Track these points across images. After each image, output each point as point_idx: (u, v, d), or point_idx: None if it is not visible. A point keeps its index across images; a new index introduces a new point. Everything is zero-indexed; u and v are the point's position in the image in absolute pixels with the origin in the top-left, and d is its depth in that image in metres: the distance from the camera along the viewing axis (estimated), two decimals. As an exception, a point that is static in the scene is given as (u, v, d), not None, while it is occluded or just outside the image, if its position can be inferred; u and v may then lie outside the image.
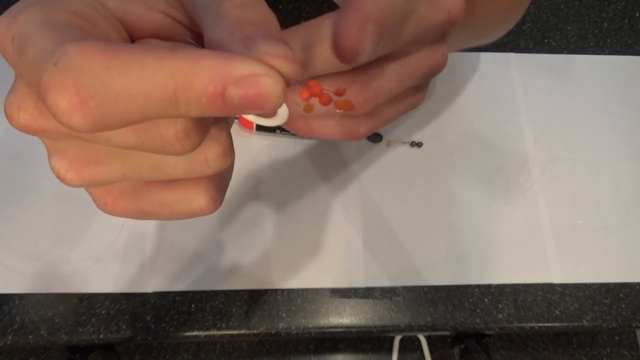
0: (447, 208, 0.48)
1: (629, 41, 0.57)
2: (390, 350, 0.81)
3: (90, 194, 0.17)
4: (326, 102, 0.16)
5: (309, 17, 0.55)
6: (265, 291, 0.44)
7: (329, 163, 0.49)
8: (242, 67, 0.12)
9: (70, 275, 0.43)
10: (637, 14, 0.59)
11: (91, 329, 0.42)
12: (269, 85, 0.12)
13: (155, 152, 0.14)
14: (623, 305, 0.46)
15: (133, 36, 0.16)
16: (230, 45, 0.13)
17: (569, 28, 0.58)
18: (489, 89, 0.53)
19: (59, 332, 0.42)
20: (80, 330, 0.42)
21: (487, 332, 0.54)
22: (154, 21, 0.16)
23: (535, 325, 0.45)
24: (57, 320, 0.42)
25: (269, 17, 0.15)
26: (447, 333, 0.58)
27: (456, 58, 0.54)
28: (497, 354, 0.84)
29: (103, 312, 0.43)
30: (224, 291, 0.44)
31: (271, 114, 0.13)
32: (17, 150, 0.47)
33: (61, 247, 0.44)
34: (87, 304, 0.43)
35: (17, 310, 0.42)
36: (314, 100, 0.16)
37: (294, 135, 0.49)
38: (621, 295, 0.47)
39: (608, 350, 0.85)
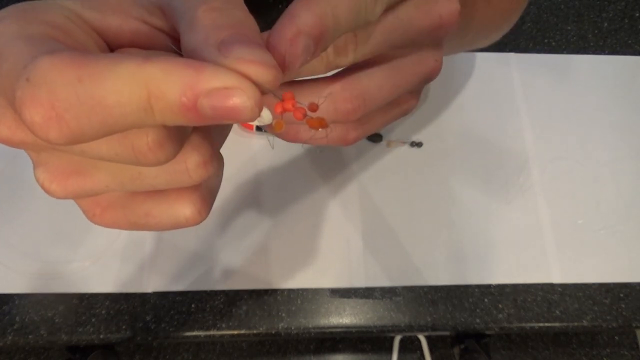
0: (447, 208, 0.48)
1: (629, 41, 0.57)
2: (390, 350, 0.81)
3: (79, 206, 0.17)
4: (300, 117, 0.15)
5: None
6: (265, 291, 0.44)
7: (328, 163, 0.49)
8: (213, 79, 0.12)
9: (70, 275, 0.43)
10: (637, 14, 0.59)
11: (91, 329, 0.42)
12: (240, 97, 0.12)
13: (130, 163, 0.14)
14: (623, 305, 0.46)
15: (112, 45, 0.16)
16: (204, 51, 0.13)
17: (569, 28, 0.58)
18: (489, 89, 0.53)
19: (59, 332, 0.42)
20: (80, 330, 0.42)
21: (487, 332, 0.54)
22: (133, 30, 0.16)
23: (535, 325, 0.45)
24: (57, 320, 0.42)
25: (247, 21, 0.14)
26: (447, 333, 0.58)
27: (456, 58, 0.54)
28: (497, 354, 0.84)
29: (103, 312, 0.43)
30: (224, 291, 0.44)
31: (246, 122, 0.13)
32: (17, 150, 0.47)
33: (61, 247, 0.44)
34: (87, 304, 0.43)
35: (17, 310, 0.42)
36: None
37: (294, 135, 0.49)
38: (621, 295, 0.47)
39: (608, 350, 0.85)
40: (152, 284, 0.43)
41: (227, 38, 0.13)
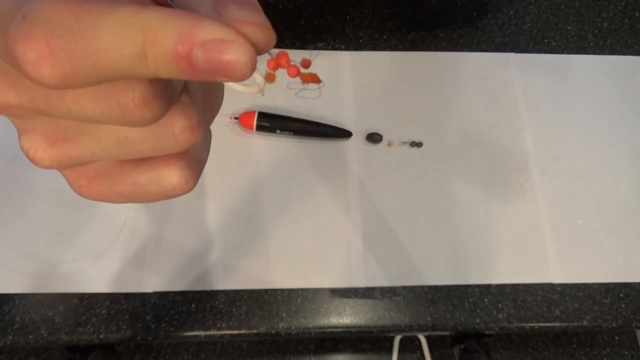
0: (447, 208, 0.48)
1: (629, 41, 0.57)
2: (390, 350, 0.81)
3: (65, 177, 0.17)
4: (294, 74, 0.15)
5: (308, 17, 0.55)
6: (265, 291, 0.44)
7: (329, 163, 0.49)
8: (210, 31, 0.12)
9: (70, 275, 0.43)
10: (637, 14, 0.59)
11: (91, 329, 0.42)
12: (236, 52, 0.12)
13: (116, 122, 0.14)
14: (623, 305, 0.46)
15: None
16: (200, 8, 0.13)
17: (569, 28, 0.58)
18: (489, 89, 0.53)
19: (59, 332, 0.42)
20: (80, 330, 0.42)
21: (487, 332, 0.54)
22: None
23: (535, 325, 0.45)
24: (57, 320, 0.42)
25: None
26: (447, 333, 0.58)
27: (456, 58, 0.54)
28: (497, 354, 0.84)
29: (103, 312, 0.43)
30: (224, 291, 0.44)
31: (240, 80, 0.13)
32: (16, 150, 0.47)
33: (61, 247, 0.44)
34: (87, 304, 0.43)
35: (17, 310, 0.42)
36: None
37: (294, 135, 0.49)
38: (621, 295, 0.47)
39: (608, 350, 0.85)
40: (152, 284, 0.43)
41: None
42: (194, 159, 0.17)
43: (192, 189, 0.17)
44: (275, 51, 0.13)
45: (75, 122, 0.14)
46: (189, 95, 0.15)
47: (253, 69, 0.13)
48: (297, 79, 0.14)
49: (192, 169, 0.17)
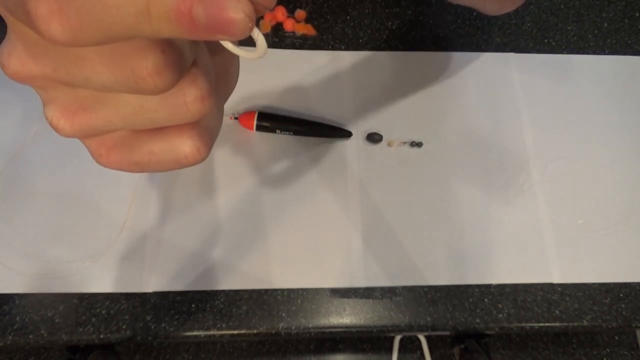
0: (447, 208, 0.48)
1: (629, 41, 0.57)
2: (390, 350, 0.81)
3: (87, 147, 0.18)
4: (290, 28, 0.15)
5: (308, 17, 0.55)
6: (265, 291, 0.44)
7: (329, 163, 0.49)
8: None
9: (70, 275, 0.43)
10: (637, 14, 0.59)
11: (91, 329, 0.42)
12: (235, 8, 0.12)
13: (130, 91, 0.14)
14: (623, 305, 0.46)
15: None
16: None
17: (569, 28, 0.58)
18: (489, 89, 0.53)
19: (59, 332, 0.42)
20: (80, 330, 0.42)
21: (487, 332, 0.54)
22: None
23: (535, 325, 0.45)
24: (57, 320, 0.42)
25: None
26: (447, 333, 0.58)
27: (456, 58, 0.54)
28: (497, 354, 0.84)
29: (103, 312, 0.43)
30: (224, 291, 0.44)
31: (239, 37, 0.14)
32: (17, 150, 0.47)
33: (61, 247, 0.44)
34: (87, 304, 0.43)
35: (17, 310, 0.42)
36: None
37: (294, 134, 0.49)
38: (621, 295, 0.47)
39: (608, 350, 0.85)
40: (152, 284, 0.43)
41: None
42: (206, 129, 0.18)
43: (204, 158, 0.18)
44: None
45: (94, 92, 0.15)
46: (200, 67, 0.16)
47: (253, 25, 0.13)
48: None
49: (204, 138, 0.17)
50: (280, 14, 0.14)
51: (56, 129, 0.16)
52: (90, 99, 0.16)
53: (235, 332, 0.43)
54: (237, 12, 0.13)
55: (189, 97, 0.15)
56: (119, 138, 0.17)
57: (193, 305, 0.43)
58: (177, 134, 0.17)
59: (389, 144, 0.50)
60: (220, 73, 0.19)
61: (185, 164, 0.18)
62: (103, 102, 0.16)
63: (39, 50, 0.14)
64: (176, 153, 0.17)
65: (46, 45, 0.14)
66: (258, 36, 0.15)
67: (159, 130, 0.17)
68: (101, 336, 0.42)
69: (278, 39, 0.53)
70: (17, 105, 0.48)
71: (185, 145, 0.17)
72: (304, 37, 0.53)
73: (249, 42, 0.15)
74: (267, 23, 0.14)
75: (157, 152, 0.17)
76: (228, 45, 0.15)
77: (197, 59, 0.16)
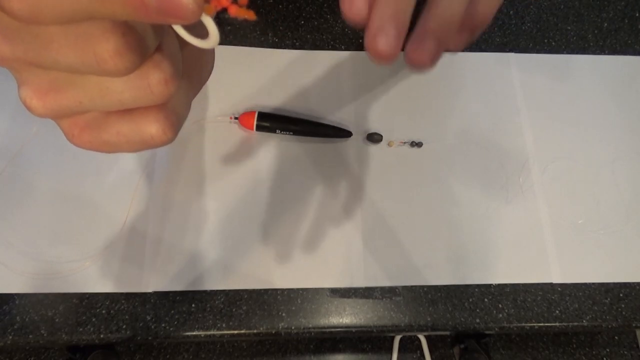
0: (447, 208, 0.48)
1: (629, 41, 0.57)
2: (390, 350, 0.81)
3: (60, 127, 0.19)
4: (234, 13, 0.17)
5: (308, 17, 0.55)
6: (265, 291, 0.44)
7: (329, 163, 0.49)
8: None
9: (70, 275, 0.43)
10: (637, 14, 0.59)
11: (91, 329, 0.42)
12: None
13: (95, 72, 0.15)
14: (623, 305, 0.46)
15: None
16: None
17: (569, 28, 0.58)
18: (489, 89, 0.53)
19: (59, 332, 0.42)
20: (80, 330, 0.42)
21: (487, 332, 0.54)
22: None
23: (535, 325, 0.45)
24: (57, 320, 0.42)
25: None
26: (447, 333, 0.58)
27: (456, 58, 0.54)
28: (497, 354, 0.84)
29: (103, 312, 0.43)
30: (224, 291, 0.44)
31: (188, 21, 0.15)
32: (17, 150, 0.47)
33: (61, 247, 0.44)
34: (87, 304, 0.43)
35: (17, 310, 0.42)
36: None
37: (294, 134, 0.49)
38: (621, 295, 0.47)
39: (608, 350, 0.85)
40: (152, 284, 0.44)
41: None
42: (172, 112, 0.19)
43: (170, 140, 0.19)
44: None
45: (63, 74, 0.16)
46: (164, 51, 0.17)
47: (201, 8, 0.14)
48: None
49: (170, 121, 0.18)
50: (227, 1, 0.16)
51: (29, 109, 0.17)
52: (60, 80, 0.17)
53: (235, 332, 0.43)
54: None
55: (153, 80, 0.16)
56: (90, 119, 0.18)
57: (193, 305, 0.43)
58: (144, 116, 0.18)
59: (389, 144, 0.50)
60: (193, 61, 0.20)
61: (152, 145, 0.19)
62: (72, 84, 0.17)
63: (11, 32, 0.15)
64: (143, 134, 0.18)
65: (18, 27, 0.15)
66: (208, 23, 0.16)
67: (127, 112, 0.18)
68: (101, 336, 0.42)
69: (278, 38, 0.53)
70: (17, 105, 0.48)
71: (151, 126, 0.18)
72: (302, 39, 0.53)
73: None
74: (212, 8, 0.16)
75: (125, 132, 0.18)
76: (180, 31, 0.16)
77: (163, 44, 0.17)
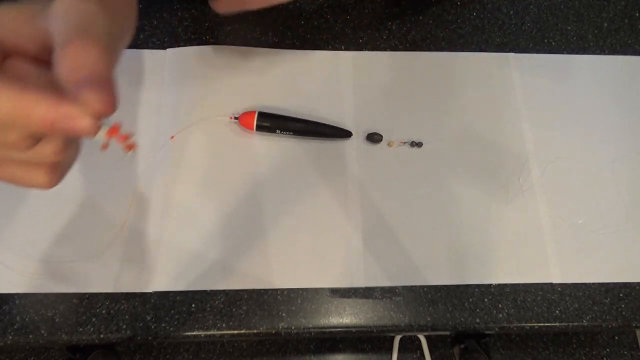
0: (447, 208, 0.48)
1: (629, 41, 0.57)
2: (390, 350, 0.81)
3: None
4: (124, 140, 0.23)
5: (308, 17, 0.55)
6: (265, 291, 0.44)
7: (329, 163, 0.49)
8: (66, 109, 0.20)
9: (70, 275, 0.43)
10: (637, 14, 0.59)
11: (91, 329, 0.42)
12: (82, 123, 0.20)
13: (1, 149, 0.22)
14: (623, 305, 0.46)
15: (9, 52, 0.23)
16: (66, 86, 0.20)
17: (569, 28, 0.58)
18: (489, 89, 0.53)
19: (59, 331, 0.42)
20: (81, 330, 0.42)
21: (487, 332, 0.54)
22: (25, 47, 0.23)
23: (535, 325, 0.45)
24: (57, 320, 0.42)
25: (99, 60, 0.21)
26: (447, 333, 0.58)
27: (456, 58, 0.54)
28: (497, 354, 0.84)
29: (103, 312, 0.43)
30: (224, 291, 0.44)
31: (87, 136, 0.21)
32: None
33: (61, 247, 0.44)
34: (87, 304, 0.43)
35: (17, 310, 0.42)
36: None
37: (294, 135, 0.49)
38: (621, 295, 0.47)
39: (608, 350, 0.85)
40: (152, 284, 0.44)
41: (82, 78, 0.20)
42: (61, 165, 0.24)
43: (55, 186, 0.24)
44: (112, 122, 0.24)
45: None
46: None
47: (96, 130, 0.21)
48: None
49: (57, 173, 0.24)
50: (117, 132, 0.24)
51: None
52: None
53: (235, 332, 0.43)
54: (85, 123, 0.20)
55: (47, 151, 0.23)
56: None
57: (193, 305, 0.43)
58: (38, 169, 0.24)
59: (389, 144, 0.50)
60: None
61: (39, 189, 0.24)
62: None
63: None
64: (32, 181, 0.24)
65: None
66: (100, 133, 0.22)
67: (24, 162, 0.23)
68: (101, 336, 0.42)
69: (278, 39, 0.53)
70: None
71: (41, 177, 0.24)
72: (302, 39, 0.53)
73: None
74: (106, 144, 0.23)
75: (19, 177, 0.24)
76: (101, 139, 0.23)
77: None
